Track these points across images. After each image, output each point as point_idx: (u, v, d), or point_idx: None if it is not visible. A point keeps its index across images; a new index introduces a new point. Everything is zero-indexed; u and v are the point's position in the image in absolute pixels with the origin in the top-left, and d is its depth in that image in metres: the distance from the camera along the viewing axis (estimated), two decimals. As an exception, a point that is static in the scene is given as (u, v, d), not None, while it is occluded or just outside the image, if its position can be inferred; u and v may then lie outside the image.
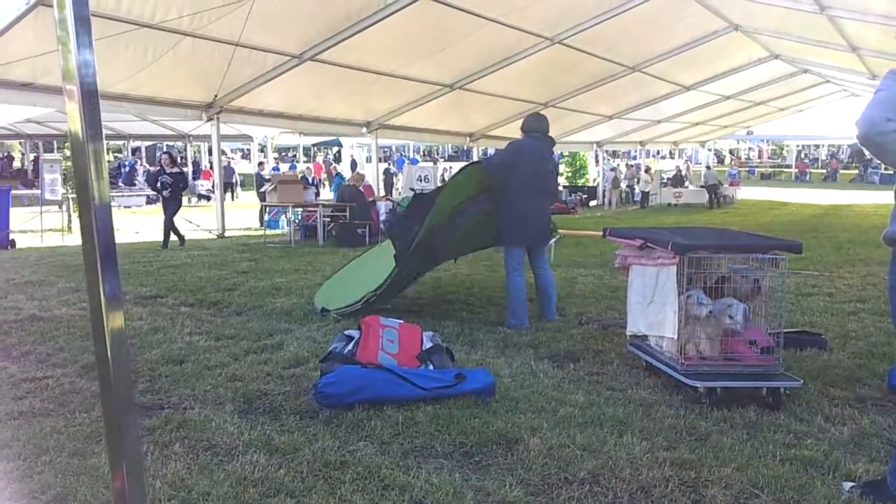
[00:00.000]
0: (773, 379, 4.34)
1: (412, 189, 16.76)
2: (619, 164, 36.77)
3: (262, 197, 18.29)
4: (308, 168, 30.36)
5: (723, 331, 4.47)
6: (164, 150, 23.33)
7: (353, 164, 35.41)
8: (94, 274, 1.59)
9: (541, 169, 6.60)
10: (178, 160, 14.28)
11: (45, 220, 14.34)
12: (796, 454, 3.55)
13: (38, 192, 15.59)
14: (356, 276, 7.49)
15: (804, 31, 13.43)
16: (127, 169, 31.01)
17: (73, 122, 1.60)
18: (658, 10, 12.59)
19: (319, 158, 45.50)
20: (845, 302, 7.60)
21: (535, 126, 6.69)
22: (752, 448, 3.64)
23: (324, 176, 34.40)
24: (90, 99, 1.60)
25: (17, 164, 37.52)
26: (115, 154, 35.57)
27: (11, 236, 12.82)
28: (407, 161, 31.34)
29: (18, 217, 14.57)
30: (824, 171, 50.80)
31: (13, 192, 15.51)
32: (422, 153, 51.44)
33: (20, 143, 37.72)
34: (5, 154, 39.11)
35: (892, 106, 2.78)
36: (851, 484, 3.22)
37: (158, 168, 13.64)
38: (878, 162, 40.02)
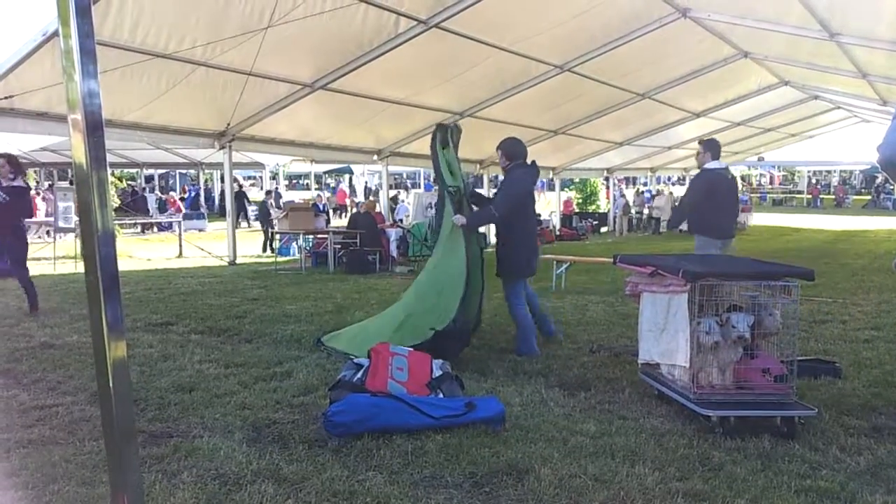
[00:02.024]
0: (788, 408, 4.28)
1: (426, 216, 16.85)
2: (629, 190, 36.78)
3: (266, 227, 18.59)
4: (319, 196, 30.53)
5: (734, 357, 4.42)
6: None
7: (367, 191, 35.69)
8: (96, 303, 1.60)
9: (533, 197, 6.86)
10: (23, 168, 9.48)
11: (59, 248, 14.43)
12: (811, 485, 3.50)
13: (52, 219, 15.72)
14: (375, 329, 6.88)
15: (813, 58, 13.45)
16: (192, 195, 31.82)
17: (77, 151, 1.62)
18: (667, 37, 12.65)
19: (343, 185, 45.75)
20: (859, 329, 7.52)
21: (523, 152, 6.68)
22: (767, 479, 3.58)
23: (347, 202, 34.95)
24: (94, 129, 1.61)
25: (31, 193, 37.88)
26: (129, 182, 35.88)
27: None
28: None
29: (32, 244, 14.64)
30: (837, 197, 50.57)
31: (27, 220, 15.63)
32: (433, 179, 51.62)
33: (34, 172, 38.11)
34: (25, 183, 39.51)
35: None
36: (869, 516, 3.16)
37: None
38: (892, 187, 39.59)
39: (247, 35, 9.57)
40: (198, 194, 33.48)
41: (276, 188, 38.08)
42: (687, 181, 37.15)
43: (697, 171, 8.11)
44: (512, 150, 6.66)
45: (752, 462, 3.82)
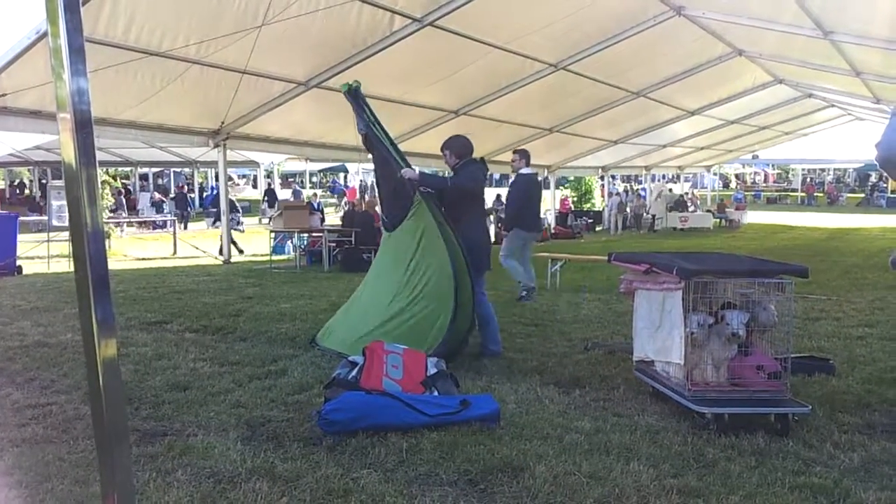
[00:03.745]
0: (782, 405, 4.29)
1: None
2: (624, 187, 36.80)
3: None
4: (315, 194, 30.42)
5: (729, 355, 4.43)
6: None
7: (363, 189, 35.62)
8: (86, 301, 1.59)
9: (483, 193, 6.86)
10: None
11: (52, 247, 14.39)
12: (805, 482, 3.51)
13: (46, 218, 15.67)
14: (357, 313, 6.77)
15: (807, 56, 13.49)
16: (214, 193, 31.89)
17: (67, 149, 1.61)
18: (661, 35, 12.66)
19: (354, 183, 45.31)
20: (853, 326, 7.55)
21: (471, 149, 6.53)
22: (761, 475, 3.59)
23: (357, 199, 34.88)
24: (84, 127, 1.60)
25: (26, 191, 37.80)
26: (123, 181, 35.83)
27: (18, 262, 12.85)
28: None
29: (26, 243, 14.62)
30: (829, 195, 50.72)
31: (21, 218, 15.61)
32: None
33: (28, 170, 38.03)
34: (17, 181, 39.40)
35: None
36: (862, 512, 3.18)
37: None
38: (886, 185, 39.83)
39: (241, 33, 9.55)
40: (218, 192, 33.06)
41: (271, 185, 38.05)
42: (681, 179, 37.34)
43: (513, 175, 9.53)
44: (461, 149, 6.48)
45: (747, 459, 3.83)
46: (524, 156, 9.61)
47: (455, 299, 5.88)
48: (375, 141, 6.61)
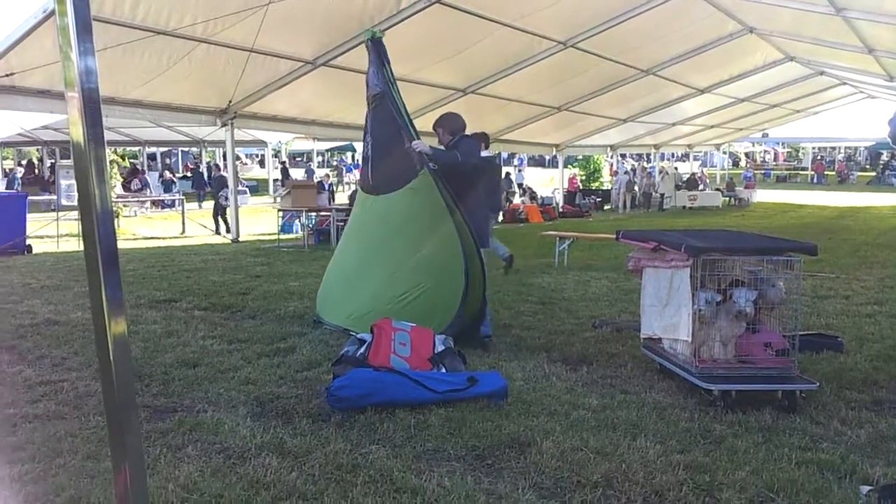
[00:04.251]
0: (789, 382, 4.30)
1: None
2: (634, 166, 36.57)
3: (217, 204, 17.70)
4: (327, 175, 30.29)
5: (737, 332, 4.43)
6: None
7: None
8: (96, 278, 1.60)
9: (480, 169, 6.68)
10: None
11: (62, 226, 14.46)
12: (812, 457, 3.52)
13: (56, 197, 15.73)
14: (356, 284, 6.62)
15: (819, 33, 13.33)
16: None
17: (75, 129, 1.61)
18: (671, 12, 12.53)
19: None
20: (862, 304, 7.53)
21: (463, 125, 6.41)
22: (768, 451, 3.60)
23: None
24: (92, 106, 1.60)
25: (35, 171, 37.88)
26: (132, 160, 35.85)
27: (28, 242, 12.92)
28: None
29: (36, 222, 14.68)
30: (839, 174, 50.35)
31: (31, 197, 15.67)
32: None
33: (37, 150, 38.08)
34: (27, 161, 39.46)
35: None
36: (868, 488, 3.19)
37: None
38: (897, 163, 39.27)
39: (248, 11, 9.51)
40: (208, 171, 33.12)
41: (285, 165, 37.98)
42: (690, 157, 37.10)
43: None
44: (453, 125, 6.38)
45: (754, 435, 3.84)
46: (483, 138, 9.19)
47: (466, 278, 5.84)
48: (390, 102, 6.35)
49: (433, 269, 6.06)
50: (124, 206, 20.09)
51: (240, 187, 27.52)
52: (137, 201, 22.64)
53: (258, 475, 3.32)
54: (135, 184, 25.69)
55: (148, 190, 26.33)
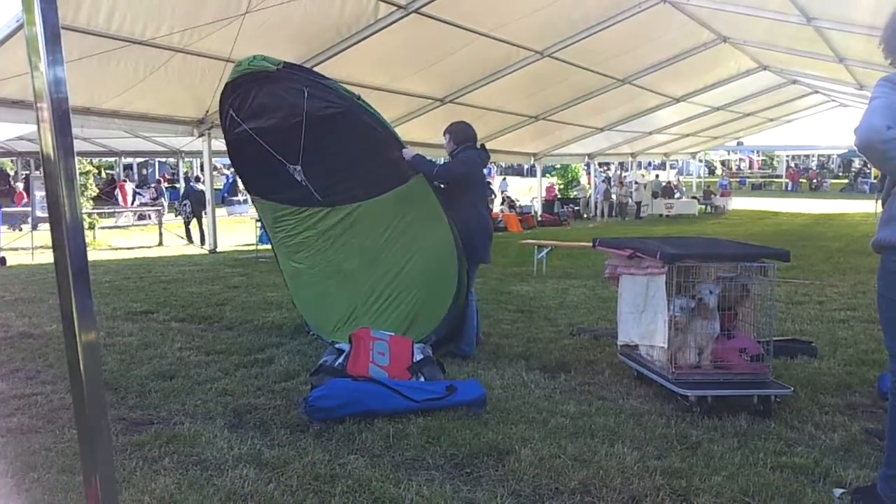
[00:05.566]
0: (764, 387, 4.35)
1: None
2: (610, 174, 36.79)
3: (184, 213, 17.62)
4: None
5: (710, 331, 4.47)
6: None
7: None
8: (66, 288, 1.60)
9: (484, 180, 6.64)
10: None
11: (36, 238, 14.30)
12: (787, 462, 3.56)
13: (30, 209, 15.56)
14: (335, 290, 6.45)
15: (791, 42, 13.54)
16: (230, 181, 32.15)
17: (45, 141, 1.60)
18: (646, 22, 12.67)
19: None
20: (836, 310, 7.63)
21: (473, 135, 6.17)
22: (743, 456, 3.64)
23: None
24: (61, 116, 1.59)
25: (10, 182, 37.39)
26: (107, 171, 35.51)
27: (2, 254, 12.76)
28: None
29: (9, 235, 14.51)
30: (810, 181, 50.95)
31: (4, 209, 15.49)
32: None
33: (11, 161, 37.60)
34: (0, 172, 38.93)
35: (892, 113, 2.79)
36: (842, 490, 3.23)
37: None
38: (869, 171, 40.02)
39: (225, 21, 9.48)
40: (235, 180, 32.65)
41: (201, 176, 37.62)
42: (667, 166, 37.43)
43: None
44: (460, 135, 6.15)
45: (729, 440, 3.88)
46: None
47: (458, 286, 5.82)
48: (361, 116, 5.97)
49: (417, 277, 6.02)
50: (100, 216, 19.85)
51: (239, 196, 27.51)
52: (113, 212, 22.43)
53: (235, 487, 3.30)
54: (150, 193, 25.53)
55: (163, 198, 26.25)
